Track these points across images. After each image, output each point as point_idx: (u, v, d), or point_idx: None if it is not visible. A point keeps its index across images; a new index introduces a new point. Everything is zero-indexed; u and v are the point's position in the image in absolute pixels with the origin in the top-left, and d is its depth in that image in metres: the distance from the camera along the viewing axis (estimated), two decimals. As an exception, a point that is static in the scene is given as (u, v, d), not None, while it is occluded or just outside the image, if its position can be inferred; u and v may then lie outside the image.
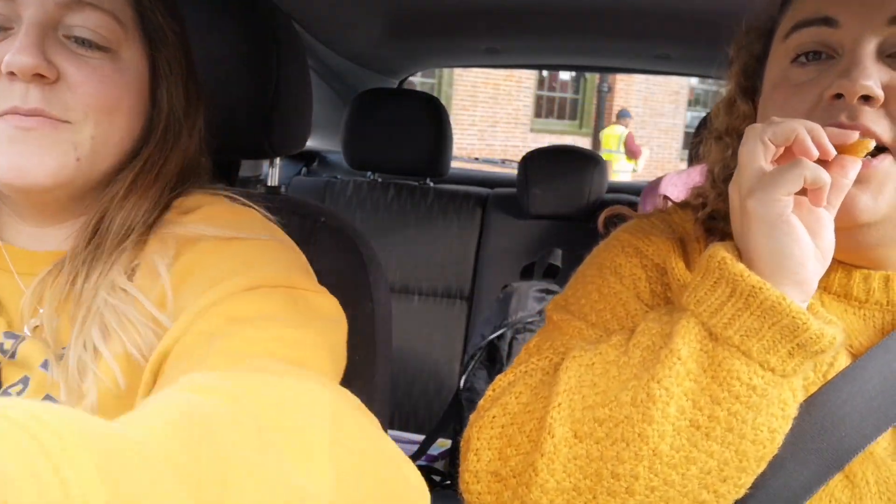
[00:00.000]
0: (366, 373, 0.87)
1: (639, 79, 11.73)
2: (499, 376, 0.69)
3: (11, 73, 0.62)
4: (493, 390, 0.67)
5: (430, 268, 2.13)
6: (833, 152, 0.57)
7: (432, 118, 2.09)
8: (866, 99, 0.60)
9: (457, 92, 10.73)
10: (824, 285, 0.67)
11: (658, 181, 2.06)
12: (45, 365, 0.66)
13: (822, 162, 0.56)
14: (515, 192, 2.17)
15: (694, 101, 12.89)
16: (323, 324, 0.65)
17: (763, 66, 0.71)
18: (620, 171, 9.00)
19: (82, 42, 0.66)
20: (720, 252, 0.58)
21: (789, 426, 0.57)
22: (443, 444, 1.76)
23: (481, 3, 1.73)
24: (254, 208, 0.76)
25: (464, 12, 1.81)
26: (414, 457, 1.66)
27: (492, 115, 11.15)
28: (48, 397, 0.66)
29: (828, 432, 0.60)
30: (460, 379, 1.64)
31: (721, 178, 0.73)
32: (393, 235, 2.14)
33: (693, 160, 2.02)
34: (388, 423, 1.01)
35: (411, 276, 2.13)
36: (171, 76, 0.74)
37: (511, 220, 2.15)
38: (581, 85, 11.98)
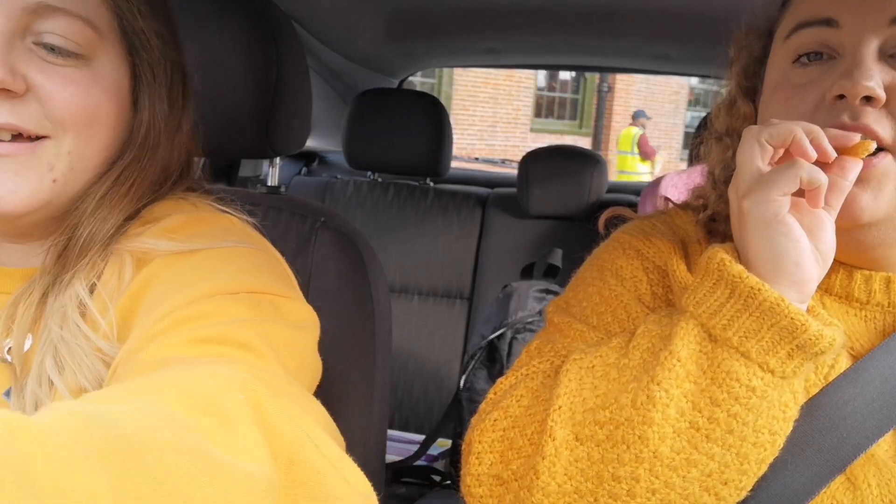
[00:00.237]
0: (366, 373, 0.87)
1: (639, 79, 11.72)
2: (500, 379, 0.68)
3: None
4: (495, 393, 0.67)
5: (429, 268, 2.13)
6: (832, 154, 0.56)
7: (432, 118, 2.09)
8: (868, 100, 0.59)
9: (457, 92, 10.71)
10: (825, 287, 0.67)
11: (658, 181, 2.06)
12: (7, 393, 0.64)
13: (823, 163, 0.56)
14: (515, 192, 2.17)
15: (694, 101, 12.87)
16: (289, 327, 0.61)
17: (763, 67, 0.71)
18: (639, 173, 8.74)
19: (52, 49, 0.61)
20: (719, 253, 0.58)
21: (790, 429, 0.57)
22: (443, 444, 1.76)
23: (481, 3, 1.73)
24: (231, 214, 0.72)
25: (464, 12, 1.81)
26: (414, 457, 1.66)
27: (492, 115, 11.12)
28: None
29: (829, 434, 0.60)
30: (460, 379, 1.64)
31: (722, 179, 0.73)
32: (393, 235, 2.14)
33: (693, 160, 2.01)
34: (389, 423, 1.01)
35: (411, 276, 2.13)
36: (154, 83, 0.69)
37: (511, 220, 2.14)
38: (581, 85, 11.96)
